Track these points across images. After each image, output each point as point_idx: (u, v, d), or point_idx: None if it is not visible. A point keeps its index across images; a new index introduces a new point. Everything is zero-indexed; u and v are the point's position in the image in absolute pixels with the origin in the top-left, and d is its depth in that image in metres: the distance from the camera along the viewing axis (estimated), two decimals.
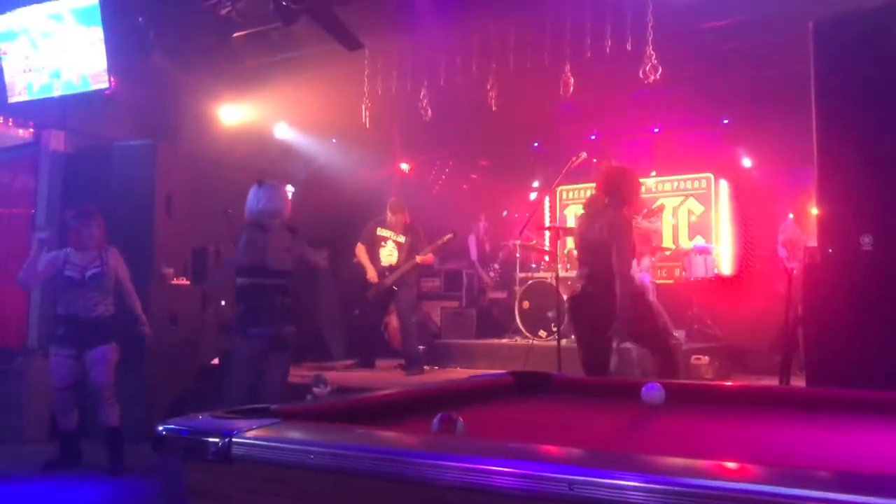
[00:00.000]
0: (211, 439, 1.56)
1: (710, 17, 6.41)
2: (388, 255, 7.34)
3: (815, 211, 4.53)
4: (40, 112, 6.63)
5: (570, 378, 2.86)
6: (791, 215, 7.26)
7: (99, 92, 6.25)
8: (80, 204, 5.28)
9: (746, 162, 8.95)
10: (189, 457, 1.59)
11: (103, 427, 4.99)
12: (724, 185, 9.09)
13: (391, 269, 7.27)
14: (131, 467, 4.92)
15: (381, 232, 7.40)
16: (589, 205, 4.97)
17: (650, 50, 6.05)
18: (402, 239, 7.33)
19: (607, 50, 6.20)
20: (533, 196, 9.98)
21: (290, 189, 8.94)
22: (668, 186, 9.18)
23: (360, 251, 7.37)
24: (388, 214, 7.32)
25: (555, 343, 6.24)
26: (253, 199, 4.93)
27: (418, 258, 7.20)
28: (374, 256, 7.35)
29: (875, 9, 3.86)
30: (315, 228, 9.33)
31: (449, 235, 7.28)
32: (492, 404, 2.44)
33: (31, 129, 6.79)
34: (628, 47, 6.11)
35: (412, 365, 7.19)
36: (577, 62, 6.51)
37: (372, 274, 7.24)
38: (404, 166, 10.38)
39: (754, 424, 2.15)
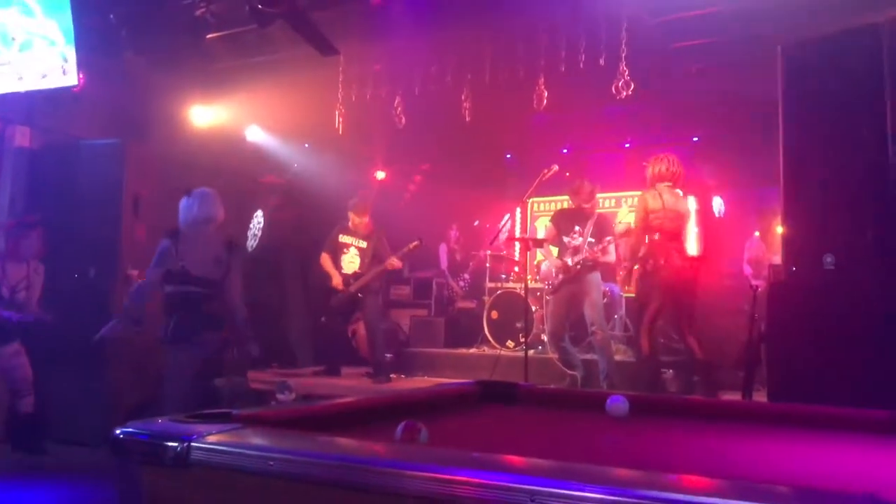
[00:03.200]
0: (170, 444, 1.53)
1: (682, 37, 6.50)
2: (350, 262, 7.28)
3: (780, 229, 4.61)
4: (6, 107, 6.50)
5: (536, 389, 2.87)
6: (757, 233, 7.38)
7: (67, 88, 6.15)
8: (25, 213, 5.30)
9: (714, 179, 9.07)
10: (147, 461, 1.56)
11: (25, 416, 5.15)
12: (691, 202, 9.19)
13: (355, 276, 7.22)
14: (90, 471, 4.84)
15: (342, 238, 7.33)
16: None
17: (623, 66, 6.12)
18: (364, 244, 7.28)
19: (581, 65, 6.26)
20: (506, 231, 9.84)
21: (258, 215, 8.94)
22: (637, 202, 9.26)
23: (325, 260, 7.31)
24: (350, 216, 7.27)
25: (522, 354, 6.26)
26: (184, 208, 4.84)
27: (390, 262, 7.14)
28: (336, 264, 7.29)
29: (841, 34, 3.95)
30: (287, 234, 9.31)
31: (415, 242, 7.26)
32: (457, 413, 2.43)
33: None
34: (601, 63, 6.18)
35: (379, 373, 7.15)
36: (551, 76, 6.56)
37: (337, 280, 7.18)
38: (380, 174, 10.36)
39: (716, 438, 2.17)
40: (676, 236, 5.67)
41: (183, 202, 4.87)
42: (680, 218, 5.70)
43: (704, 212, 9.20)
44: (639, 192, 9.12)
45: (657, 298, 5.54)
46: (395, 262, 7.16)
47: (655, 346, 5.66)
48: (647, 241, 5.73)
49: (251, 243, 8.97)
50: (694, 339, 5.61)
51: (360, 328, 7.93)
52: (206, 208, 4.79)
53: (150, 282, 4.85)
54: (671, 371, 6.53)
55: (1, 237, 5.53)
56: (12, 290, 5.06)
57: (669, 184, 5.73)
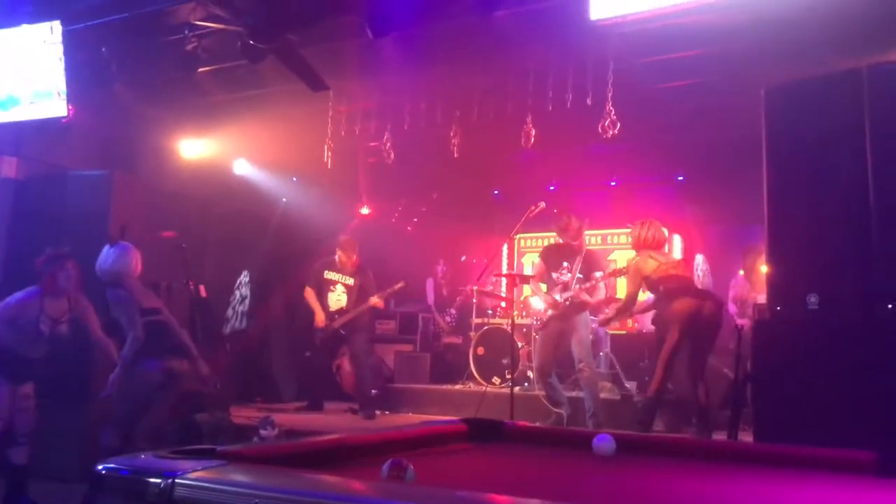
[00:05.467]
0: (153, 480, 1.51)
1: (668, 78, 6.62)
2: (337, 299, 7.25)
3: (764, 269, 4.65)
4: None
5: (522, 427, 2.86)
6: (741, 272, 7.42)
7: (56, 119, 6.15)
8: (50, 247, 5.12)
9: (699, 218, 9.16)
10: (129, 498, 1.54)
11: (16, 467, 4.85)
12: (677, 240, 9.27)
13: (340, 312, 7.19)
14: None
15: (328, 275, 7.28)
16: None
17: (609, 106, 6.21)
18: (350, 281, 7.25)
19: (568, 104, 6.35)
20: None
21: (243, 281, 8.92)
22: (622, 239, 9.32)
23: (309, 295, 7.27)
24: (338, 253, 7.24)
25: (508, 390, 6.22)
26: (103, 257, 5.07)
27: (372, 300, 7.12)
28: (322, 301, 7.24)
29: (823, 78, 4.04)
30: (272, 268, 9.28)
31: (400, 284, 7.24)
32: (443, 451, 2.42)
33: None
34: (588, 102, 6.27)
35: (365, 409, 7.08)
36: (539, 114, 6.64)
37: (320, 318, 7.15)
38: (365, 210, 10.39)
39: (702, 478, 2.16)
40: (685, 278, 5.77)
41: (105, 249, 5.10)
42: (680, 264, 5.85)
43: (689, 251, 9.28)
44: (624, 230, 9.25)
45: (674, 332, 5.49)
46: (377, 300, 7.11)
47: (663, 389, 5.60)
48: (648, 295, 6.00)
49: (233, 323, 8.84)
50: (703, 387, 5.59)
51: (345, 363, 7.88)
52: (120, 263, 5.06)
53: (139, 336, 4.96)
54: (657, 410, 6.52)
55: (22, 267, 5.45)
56: (53, 324, 4.85)
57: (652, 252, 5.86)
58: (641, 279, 5.78)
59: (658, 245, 5.89)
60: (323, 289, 7.25)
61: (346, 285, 7.26)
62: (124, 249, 5.10)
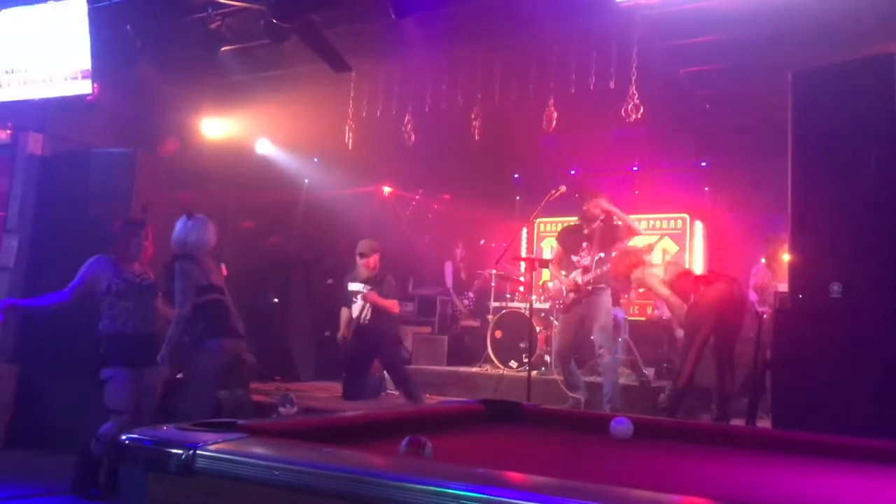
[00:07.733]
0: (174, 451, 1.53)
1: (693, 62, 6.54)
2: (361, 307, 6.72)
3: (787, 257, 4.61)
4: (20, 114, 6.56)
5: (540, 409, 2.86)
6: (763, 260, 7.36)
7: (81, 97, 6.20)
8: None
9: (721, 205, 9.08)
10: (151, 468, 1.57)
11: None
12: (698, 227, 9.21)
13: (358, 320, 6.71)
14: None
15: (351, 287, 6.81)
16: None
17: (633, 90, 6.14)
18: (367, 289, 6.69)
19: (591, 87, 6.30)
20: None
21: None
22: (644, 225, 9.25)
23: (343, 314, 6.87)
24: (357, 259, 6.77)
25: (525, 374, 6.23)
26: (181, 229, 4.96)
27: (369, 295, 6.56)
28: (350, 313, 6.79)
29: (852, 63, 3.97)
30: (292, 248, 9.34)
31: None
32: (461, 430, 2.43)
33: (9, 131, 6.71)
34: (611, 85, 6.21)
35: (409, 393, 6.60)
36: (562, 97, 6.59)
37: (342, 332, 6.83)
38: (386, 189, 10.40)
39: (718, 462, 2.16)
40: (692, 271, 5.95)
41: (182, 222, 4.99)
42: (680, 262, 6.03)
43: (711, 237, 9.22)
44: (645, 216, 9.20)
45: (708, 325, 5.53)
46: (376, 297, 6.57)
47: (693, 378, 5.63)
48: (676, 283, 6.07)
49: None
50: (730, 373, 5.63)
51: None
52: (202, 236, 4.96)
53: (187, 315, 4.81)
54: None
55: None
56: (137, 278, 4.79)
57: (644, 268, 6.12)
58: (661, 284, 6.04)
59: (641, 263, 6.14)
60: (349, 301, 6.81)
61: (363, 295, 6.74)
62: (203, 222, 5.02)
